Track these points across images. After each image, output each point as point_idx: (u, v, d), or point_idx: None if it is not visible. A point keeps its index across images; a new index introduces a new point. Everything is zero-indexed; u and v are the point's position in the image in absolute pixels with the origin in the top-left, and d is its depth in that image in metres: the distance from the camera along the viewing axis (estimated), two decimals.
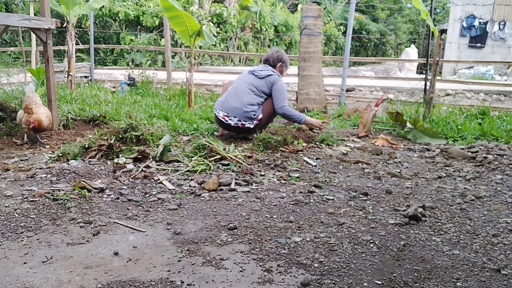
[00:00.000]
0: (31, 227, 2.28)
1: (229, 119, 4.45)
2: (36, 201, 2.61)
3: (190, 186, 3.05)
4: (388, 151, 4.19)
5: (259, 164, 3.62)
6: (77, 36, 8.63)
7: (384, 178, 3.39)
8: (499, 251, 2.17)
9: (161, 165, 3.48)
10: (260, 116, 4.49)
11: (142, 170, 3.30)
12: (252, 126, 4.47)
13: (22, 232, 2.23)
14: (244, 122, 4.44)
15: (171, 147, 3.83)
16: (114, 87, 9.12)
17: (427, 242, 2.25)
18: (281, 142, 4.09)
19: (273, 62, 4.71)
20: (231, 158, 3.60)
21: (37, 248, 2.06)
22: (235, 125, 4.46)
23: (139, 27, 15.80)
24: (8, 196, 2.70)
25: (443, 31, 16.64)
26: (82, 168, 3.21)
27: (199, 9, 15.62)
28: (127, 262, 1.96)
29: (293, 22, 18.92)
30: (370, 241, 2.24)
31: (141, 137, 3.83)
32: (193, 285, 1.78)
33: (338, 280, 1.85)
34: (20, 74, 8.89)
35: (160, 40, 14.79)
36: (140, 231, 2.30)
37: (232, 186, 3.05)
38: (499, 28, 14.83)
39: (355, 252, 2.12)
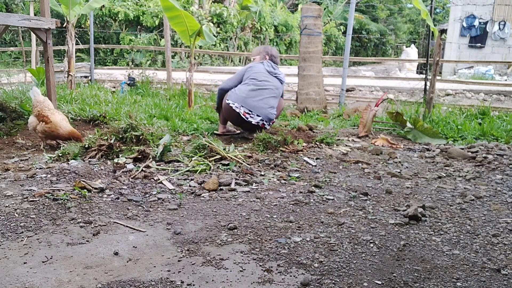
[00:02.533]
0: (31, 227, 2.28)
1: (251, 116, 4.38)
2: (36, 201, 2.61)
3: (190, 186, 3.05)
4: (388, 151, 4.19)
5: (259, 164, 3.62)
6: (77, 36, 8.64)
7: (384, 178, 3.39)
8: (499, 251, 2.17)
9: (161, 165, 3.48)
10: (275, 116, 4.58)
11: (142, 170, 3.30)
12: (268, 127, 4.54)
13: (22, 232, 2.23)
14: (265, 123, 4.45)
15: (171, 147, 3.83)
16: (114, 87, 9.12)
17: (427, 242, 2.25)
18: (281, 142, 4.09)
19: (278, 62, 4.78)
20: (231, 158, 3.60)
21: (37, 248, 2.06)
22: (256, 124, 4.41)
23: (139, 27, 15.80)
24: (8, 196, 2.70)
25: (443, 31, 16.63)
26: (82, 168, 3.21)
27: (199, 9, 15.62)
28: (127, 262, 1.96)
29: (293, 22, 18.91)
30: (370, 241, 2.24)
31: (141, 137, 3.83)
32: (193, 285, 1.78)
33: (338, 280, 1.85)
34: (20, 74, 8.90)
35: (160, 40, 14.79)
36: (140, 231, 2.30)
37: (232, 186, 3.05)
38: (499, 28, 14.83)
39: (355, 252, 2.12)
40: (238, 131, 4.80)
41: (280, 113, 4.83)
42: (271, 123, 4.55)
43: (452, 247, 2.20)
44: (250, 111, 4.38)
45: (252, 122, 4.40)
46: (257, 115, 4.39)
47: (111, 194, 2.81)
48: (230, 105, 4.39)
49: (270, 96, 4.47)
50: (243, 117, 4.37)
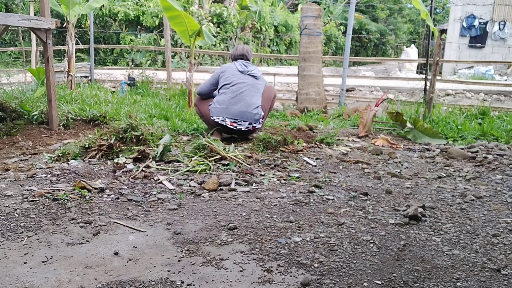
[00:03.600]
0: (31, 227, 2.29)
1: (239, 124, 4.36)
2: (36, 201, 2.61)
3: (190, 186, 3.05)
4: (388, 151, 4.19)
5: (259, 164, 3.62)
6: (77, 36, 8.63)
7: (384, 178, 3.39)
8: (499, 251, 2.17)
9: (161, 165, 3.48)
10: (262, 113, 4.52)
11: (142, 170, 3.30)
12: (260, 125, 4.52)
13: (22, 232, 2.23)
14: (254, 124, 4.42)
15: (171, 147, 3.83)
16: (114, 87, 9.12)
17: (427, 242, 2.25)
18: (281, 142, 4.09)
19: (249, 57, 4.74)
20: (231, 158, 3.60)
21: (37, 248, 2.06)
22: (246, 129, 4.40)
23: (139, 27, 15.79)
24: (8, 196, 2.70)
25: (443, 31, 16.63)
26: (82, 168, 3.21)
27: (199, 9, 15.61)
28: (127, 262, 1.96)
29: (293, 22, 18.90)
30: (370, 241, 2.24)
31: (141, 137, 3.83)
32: (193, 285, 1.78)
33: (338, 280, 1.85)
34: (20, 74, 8.90)
35: (160, 40, 14.79)
36: (140, 231, 2.30)
37: (232, 186, 3.05)
38: (499, 28, 14.82)
39: (355, 252, 2.12)
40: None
41: (273, 103, 4.77)
42: (260, 120, 4.49)
43: (452, 247, 2.20)
44: (235, 119, 4.36)
45: (242, 129, 4.39)
46: (244, 121, 4.37)
47: (111, 194, 2.81)
48: (216, 120, 4.40)
49: (251, 96, 4.42)
50: (232, 127, 4.37)
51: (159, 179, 3.13)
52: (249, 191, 2.97)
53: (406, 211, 2.58)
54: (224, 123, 4.36)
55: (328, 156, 3.98)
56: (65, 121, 4.80)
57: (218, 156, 3.59)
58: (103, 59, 14.92)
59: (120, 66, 13.81)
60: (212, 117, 4.41)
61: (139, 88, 8.23)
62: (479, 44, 14.98)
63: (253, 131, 4.49)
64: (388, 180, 3.36)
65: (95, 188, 2.84)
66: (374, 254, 2.10)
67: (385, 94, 6.64)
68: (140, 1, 15.72)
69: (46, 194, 2.69)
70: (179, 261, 1.98)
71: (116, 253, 2.03)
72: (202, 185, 3.04)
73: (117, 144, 3.70)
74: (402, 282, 1.85)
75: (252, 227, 2.37)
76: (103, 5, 14.18)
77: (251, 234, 2.29)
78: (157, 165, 3.46)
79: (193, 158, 3.59)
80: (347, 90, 8.03)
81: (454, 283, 1.85)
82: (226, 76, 4.48)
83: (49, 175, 3.09)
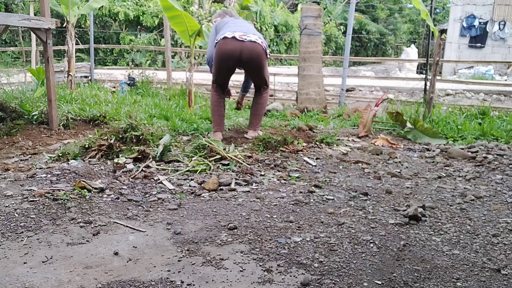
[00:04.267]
0: (31, 227, 2.28)
1: (247, 36, 4.14)
2: (36, 201, 2.61)
3: (190, 186, 3.05)
4: (388, 151, 4.19)
5: (259, 164, 3.62)
6: (77, 36, 8.63)
7: (384, 178, 3.39)
8: (499, 251, 2.17)
9: (161, 165, 3.48)
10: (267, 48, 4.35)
11: (142, 170, 3.30)
12: (268, 56, 4.30)
13: (22, 232, 2.23)
14: (263, 41, 4.23)
15: (171, 147, 3.83)
16: (114, 87, 9.12)
17: (427, 242, 2.25)
18: (281, 142, 4.09)
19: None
20: (231, 158, 3.60)
21: (37, 248, 2.06)
22: (255, 41, 4.14)
23: (139, 27, 15.79)
24: (8, 196, 2.70)
25: (443, 31, 16.63)
26: (82, 168, 3.21)
27: (199, 9, 15.61)
28: (127, 262, 1.96)
29: (293, 22, 18.90)
30: (370, 241, 2.24)
31: (141, 137, 3.83)
32: (193, 285, 1.78)
33: (338, 280, 1.85)
34: (20, 74, 8.90)
35: (160, 40, 14.79)
36: (140, 231, 2.30)
37: (232, 186, 3.05)
38: (499, 28, 14.83)
39: (355, 252, 2.12)
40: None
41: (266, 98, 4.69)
42: (267, 55, 4.29)
43: (452, 247, 2.20)
44: (244, 33, 4.18)
45: (252, 40, 4.12)
46: (253, 34, 4.20)
47: (111, 194, 2.81)
48: (223, 38, 4.11)
49: (253, 30, 4.33)
50: (241, 39, 4.08)
51: (159, 179, 3.13)
52: (249, 191, 2.97)
53: (406, 211, 2.58)
54: (231, 35, 4.10)
55: (328, 156, 3.98)
56: (65, 121, 4.80)
57: (218, 156, 3.60)
58: (103, 59, 14.92)
59: (120, 66, 13.82)
60: (217, 40, 4.19)
61: (139, 88, 8.23)
62: (479, 44, 14.99)
63: (258, 53, 4.20)
64: (388, 180, 3.36)
65: (95, 188, 2.84)
66: (374, 254, 2.10)
67: (385, 94, 6.64)
68: (140, 1, 15.72)
69: (46, 194, 2.68)
70: (179, 261, 1.98)
71: (116, 253, 2.03)
72: (202, 185, 3.04)
73: (117, 144, 3.70)
74: (402, 282, 1.85)
75: (252, 227, 2.37)
76: (102, 5, 14.18)
77: (251, 234, 2.29)
78: (157, 165, 3.46)
79: (193, 158, 3.59)
80: (347, 90, 8.03)
81: (454, 283, 1.85)
82: (222, 24, 4.39)
83: (49, 175, 3.09)
